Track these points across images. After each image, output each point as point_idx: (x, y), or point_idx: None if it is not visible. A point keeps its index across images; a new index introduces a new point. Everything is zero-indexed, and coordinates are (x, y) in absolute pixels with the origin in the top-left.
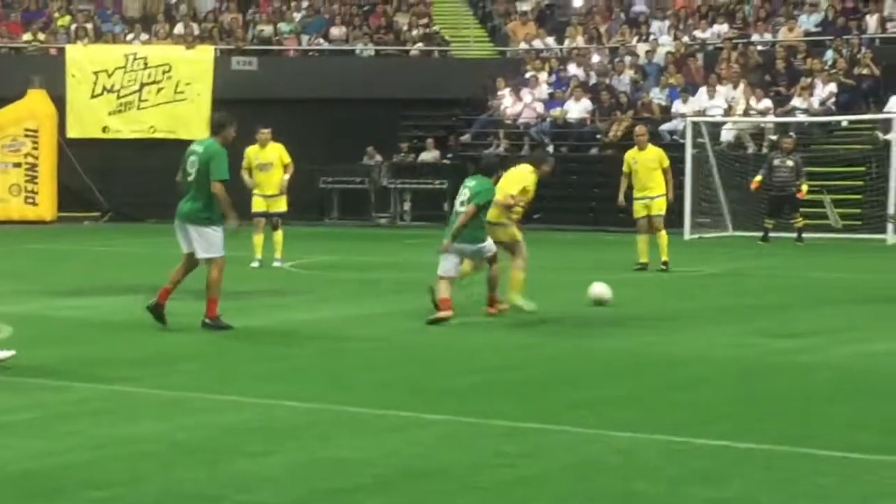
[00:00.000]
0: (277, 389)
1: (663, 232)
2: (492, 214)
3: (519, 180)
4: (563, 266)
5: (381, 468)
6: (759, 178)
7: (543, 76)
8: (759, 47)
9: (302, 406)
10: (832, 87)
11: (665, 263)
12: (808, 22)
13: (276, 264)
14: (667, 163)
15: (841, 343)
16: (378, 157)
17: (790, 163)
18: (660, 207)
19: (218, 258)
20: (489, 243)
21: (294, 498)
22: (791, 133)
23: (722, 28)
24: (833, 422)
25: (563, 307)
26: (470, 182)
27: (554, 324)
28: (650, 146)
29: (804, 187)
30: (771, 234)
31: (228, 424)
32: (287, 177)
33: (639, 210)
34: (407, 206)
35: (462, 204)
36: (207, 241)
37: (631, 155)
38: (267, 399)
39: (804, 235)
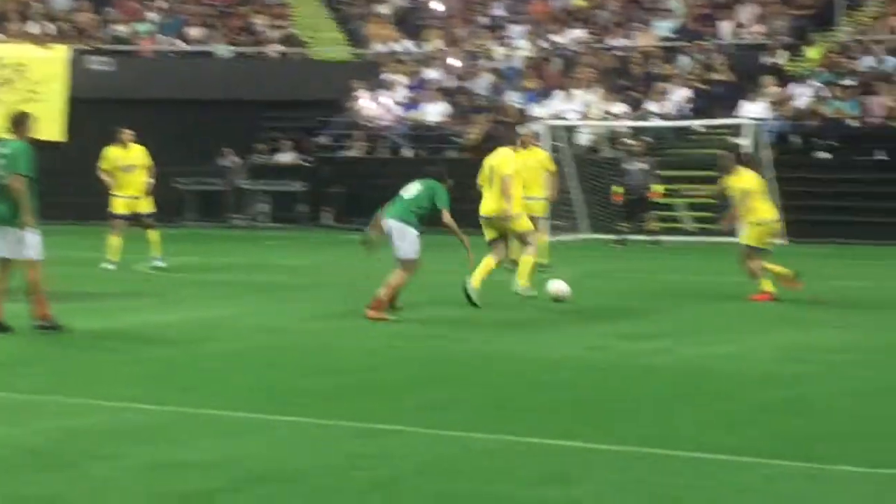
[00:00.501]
0: (128, 392)
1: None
2: (495, 209)
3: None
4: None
5: (232, 471)
6: (620, 189)
7: (401, 79)
8: (616, 52)
9: (153, 409)
10: (687, 92)
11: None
12: (663, 27)
13: (157, 263)
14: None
15: (690, 345)
16: (235, 159)
17: (641, 166)
18: (540, 209)
19: (34, 260)
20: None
21: (143, 502)
22: (643, 137)
23: (579, 33)
24: (682, 422)
25: (426, 309)
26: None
27: (412, 325)
28: (535, 149)
29: (657, 189)
30: (627, 237)
31: (78, 428)
32: (152, 180)
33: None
34: (263, 207)
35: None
36: (22, 243)
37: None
38: (117, 402)
39: (659, 238)
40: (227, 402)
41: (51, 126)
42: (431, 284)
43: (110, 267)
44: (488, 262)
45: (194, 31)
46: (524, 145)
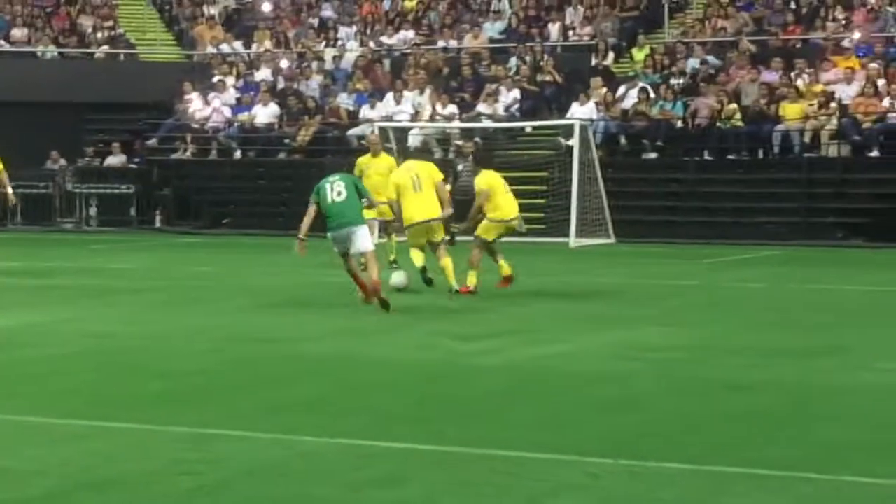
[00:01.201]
0: None
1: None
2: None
3: None
4: (256, 272)
5: (54, 479)
6: (449, 187)
7: (231, 80)
8: (445, 54)
9: None
10: (516, 93)
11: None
12: (492, 29)
13: None
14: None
15: (519, 345)
16: (62, 162)
17: (471, 167)
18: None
19: None
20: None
21: None
22: (475, 138)
23: (408, 34)
24: (510, 423)
25: (263, 312)
26: (333, 177)
27: (243, 328)
28: (383, 154)
29: None
30: (458, 238)
31: None
32: None
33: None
34: (93, 210)
35: (339, 194)
36: None
37: (364, 161)
38: None
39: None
40: (50, 409)
41: None
42: (268, 287)
43: None
44: (447, 262)
45: (18, 32)
46: (373, 151)
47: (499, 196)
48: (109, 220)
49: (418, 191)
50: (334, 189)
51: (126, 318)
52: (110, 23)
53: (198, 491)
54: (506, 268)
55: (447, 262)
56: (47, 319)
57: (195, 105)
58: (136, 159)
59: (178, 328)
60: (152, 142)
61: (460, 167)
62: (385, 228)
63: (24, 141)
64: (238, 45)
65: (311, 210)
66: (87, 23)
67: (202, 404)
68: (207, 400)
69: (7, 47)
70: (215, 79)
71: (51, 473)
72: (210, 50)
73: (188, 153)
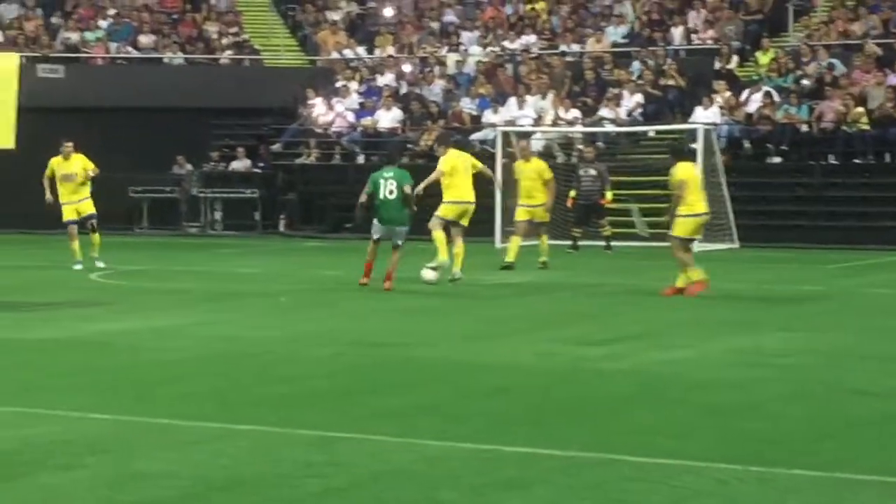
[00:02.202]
0: (82, 402)
1: (545, 237)
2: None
3: None
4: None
5: (186, 481)
6: (573, 193)
7: (354, 85)
8: (568, 58)
9: (107, 418)
10: (639, 97)
11: (544, 263)
12: (615, 33)
13: (98, 264)
14: (548, 175)
15: (643, 350)
16: (188, 166)
17: (594, 172)
18: (542, 215)
19: None
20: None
21: None
22: (597, 142)
23: (531, 39)
24: (635, 428)
25: (379, 317)
26: (388, 173)
27: (364, 333)
28: (534, 159)
29: (609, 195)
30: (580, 243)
31: (31, 438)
32: (91, 173)
33: (521, 215)
34: (218, 215)
35: (391, 192)
36: None
37: (518, 166)
38: (71, 412)
39: (613, 244)
40: (180, 411)
41: (1, 135)
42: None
43: (77, 267)
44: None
45: (145, 39)
46: (524, 157)
47: (693, 191)
48: (234, 224)
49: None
50: (387, 187)
51: (252, 322)
52: (235, 29)
53: (325, 494)
54: (690, 276)
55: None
56: (174, 323)
57: (319, 110)
58: (261, 164)
59: (302, 332)
60: (276, 147)
61: (581, 171)
62: (536, 230)
63: (151, 146)
64: (361, 50)
65: (364, 197)
66: (212, 29)
67: (327, 407)
68: (332, 403)
69: (134, 54)
70: (338, 84)
71: (183, 475)
72: (333, 55)
73: (312, 158)
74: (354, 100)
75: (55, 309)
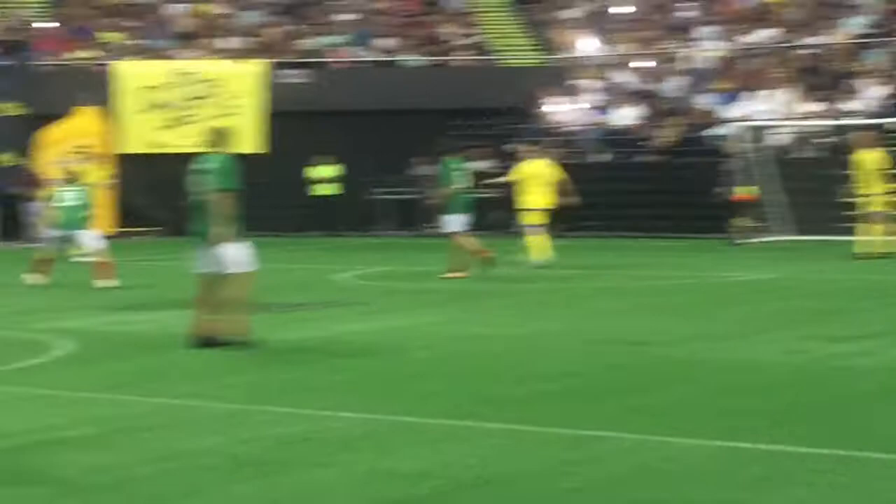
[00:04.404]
0: (333, 401)
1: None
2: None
3: None
4: (620, 274)
5: (438, 479)
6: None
7: (591, 83)
8: (807, 50)
9: (357, 417)
10: (884, 89)
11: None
12: (855, 24)
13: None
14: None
15: (893, 346)
16: (425, 168)
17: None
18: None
19: (239, 273)
20: None
21: None
22: (840, 136)
23: (770, 32)
24: (890, 425)
25: (620, 314)
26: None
27: (609, 330)
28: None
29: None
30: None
31: (284, 436)
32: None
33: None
34: None
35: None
36: (224, 258)
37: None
38: (322, 410)
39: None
40: (429, 409)
41: (248, 139)
42: (634, 289)
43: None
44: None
45: (383, 42)
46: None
47: None
48: (473, 224)
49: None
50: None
51: (498, 321)
52: (472, 29)
53: (578, 491)
54: None
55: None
56: (422, 322)
57: (557, 108)
58: (500, 164)
59: (548, 330)
60: (514, 146)
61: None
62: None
63: (389, 148)
64: (599, 47)
65: None
66: (448, 30)
67: (577, 406)
68: (582, 401)
69: (372, 57)
70: (576, 82)
71: (435, 473)
72: (571, 53)
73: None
74: (593, 97)
75: (304, 310)
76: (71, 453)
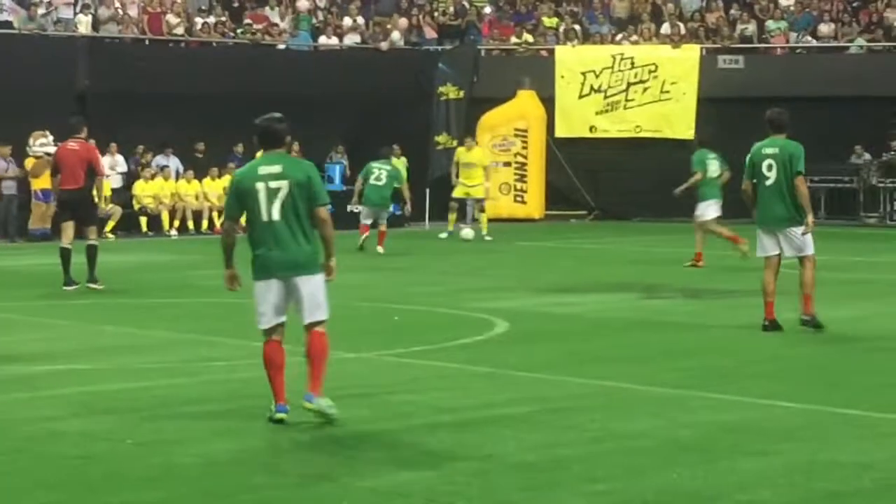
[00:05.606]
0: (774, 389)
1: None
2: None
3: None
4: None
5: (881, 472)
6: None
7: None
8: None
9: (798, 407)
10: None
11: None
12: None
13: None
14: None
15: None
16: (867, 156)
17: None
18: None
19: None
20: None
21: (792, 499)
22: None
23: None
24: None
25: None
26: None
27: None
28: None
29: None
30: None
31: (726, 423)
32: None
33: None
34: None
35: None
36: (804, 242)
37: None
38: (764, 399)
39: None
40: (873, 402)
41: (682, 125)
42: None
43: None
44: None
45: (825, 28)
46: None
47: None
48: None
49: None
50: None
51: None
52: None
53: None
54: None
55: None
56: (858, 314)
57: None
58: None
59: None
60: None
61: None
62: None
63: (830, 136)
64: None
65: None
66: (892, 16)
67: None
68: None
69: (814, 43)
70: None
71: (879, 467)
72: None
73: None
74: None
75: (738, 297)
76: (506, 430)
